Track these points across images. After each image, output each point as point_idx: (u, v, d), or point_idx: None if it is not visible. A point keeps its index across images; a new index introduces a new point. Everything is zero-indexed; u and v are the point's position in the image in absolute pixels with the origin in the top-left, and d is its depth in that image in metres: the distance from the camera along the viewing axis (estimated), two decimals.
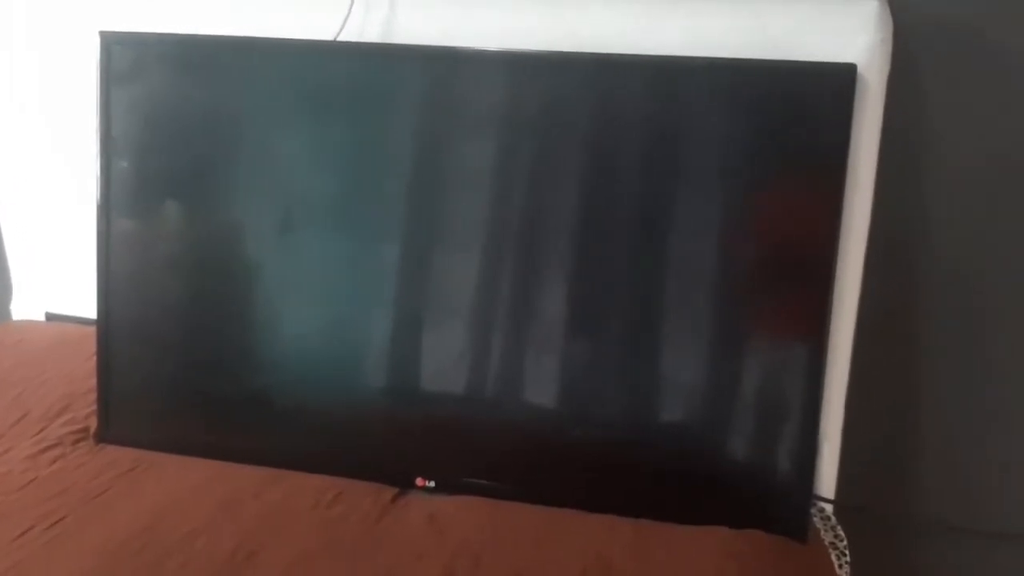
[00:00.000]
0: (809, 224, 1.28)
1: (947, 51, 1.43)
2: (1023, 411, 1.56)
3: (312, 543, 1.22)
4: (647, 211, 1.33)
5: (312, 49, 1.42)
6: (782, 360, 1.30)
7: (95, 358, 1.48)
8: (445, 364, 1.41)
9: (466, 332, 1.40)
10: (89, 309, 1.51)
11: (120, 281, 1.47)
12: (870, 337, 1.39)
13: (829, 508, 1.37)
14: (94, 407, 1.49)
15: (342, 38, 1.44)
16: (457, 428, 1.40)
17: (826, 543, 1.31)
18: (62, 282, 1.77)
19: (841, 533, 1.34)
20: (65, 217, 1.72)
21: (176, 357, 1.48)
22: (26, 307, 1.84)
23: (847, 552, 1.32)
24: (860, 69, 1.24)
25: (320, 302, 1.44)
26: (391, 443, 1.41)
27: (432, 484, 1.37)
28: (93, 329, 1.49)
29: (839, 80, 1.24)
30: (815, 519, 1.34)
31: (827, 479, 1.36)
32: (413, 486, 1.37)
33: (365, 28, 1.45)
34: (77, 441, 1.44)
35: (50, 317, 1.81)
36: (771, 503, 1.31)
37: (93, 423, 1.48)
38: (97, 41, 1.43)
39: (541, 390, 1.39)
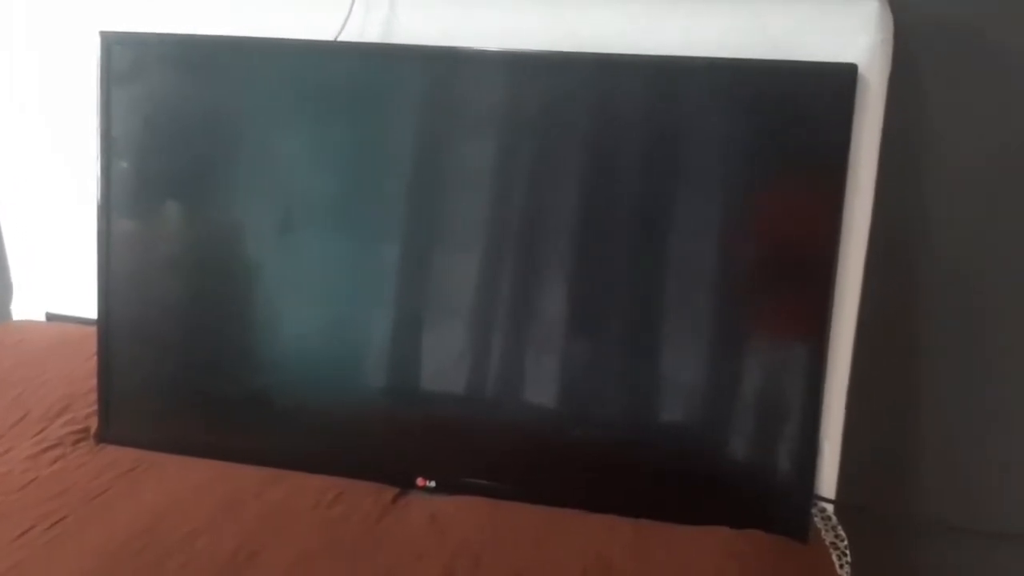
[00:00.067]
0: (809, 224, 1.28)
1: (947, 51, 1.43)
2: (1023, 411, 1.56)
3: (313, 543, 1.22)
4: (647, 211, 1.33)
5: (312, 49, 1.42)
6: (782, 360, 1.30)
7: (95, 358, 1.48)
8: (445, 364, 1.41)
9: (466, 332, 1.40)
10: (89, 309, 1.51)
11: (120, 281, 1.47)
12: (870, 337, 1.39)
13: (830, 508, 1.37)
14: (94, 407, 1.49)
15: (342, 38, 1.44)
16: (457, 428, 1.40)
17: (827, 543, 1.31)
18: (62, 282, 1.76)
19: (842, 533, 1.34)
20: (65, 217, 1.72)
21: (176, 357, 1.48)
22: (26, 307, 1.84)
23: (848, 552, 1.32)
24: (860, 69, 1.24)
25: (320, 302, 1.44)
26: (391, 443, 1.41)
27: (432, 484, 1.37)
28: (93, 329, 1.49)
29: (839, 80, 1.24)
30: (816, 519, 1.34)
31: (828, 479, 1.36)
32: (414, 486, 1.37)
33: (365, 28, 1.45)
34: (77, 441, 1.44)
35: (50, 317, 1.80)
36: (772, 503, 1.31)
37: (93, 423, 1.48)
38: (97, 41, 1.43)
39: (541, 390, 1.39)
